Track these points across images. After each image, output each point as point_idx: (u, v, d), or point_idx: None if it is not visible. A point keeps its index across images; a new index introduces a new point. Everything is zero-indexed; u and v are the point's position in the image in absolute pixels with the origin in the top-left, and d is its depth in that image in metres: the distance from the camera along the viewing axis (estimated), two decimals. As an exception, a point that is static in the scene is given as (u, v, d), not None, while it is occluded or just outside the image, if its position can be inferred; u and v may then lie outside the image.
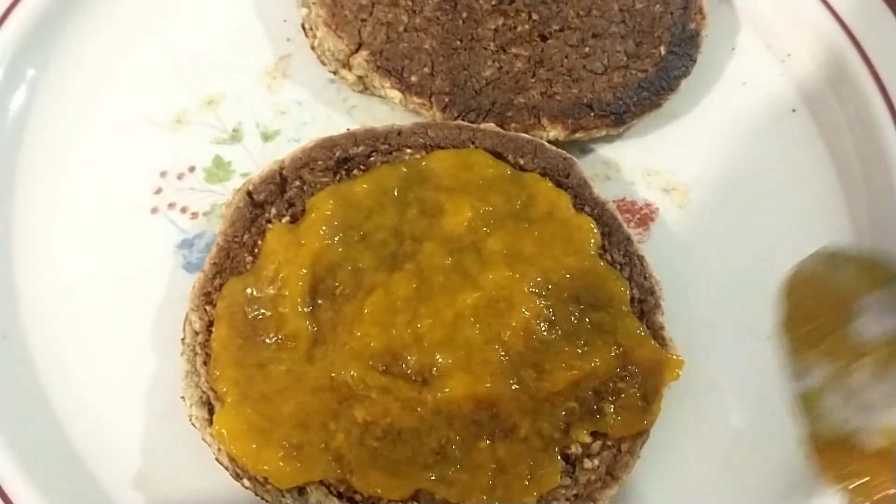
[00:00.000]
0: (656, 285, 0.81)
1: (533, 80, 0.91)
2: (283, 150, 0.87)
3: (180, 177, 0.92)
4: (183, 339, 0.78)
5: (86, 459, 0.79)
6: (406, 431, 0.72)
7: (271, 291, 0.77)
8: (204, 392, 0.75)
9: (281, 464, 0.70)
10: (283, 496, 0.72)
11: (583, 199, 0.83)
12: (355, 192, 0.80)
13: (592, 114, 0.90)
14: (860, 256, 0.80)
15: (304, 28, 0.96)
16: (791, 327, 0.74)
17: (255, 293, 0.77)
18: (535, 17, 0.93)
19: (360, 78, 0.93)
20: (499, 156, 0.84)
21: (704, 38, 0.96)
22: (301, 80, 0.97)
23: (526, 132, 0.88)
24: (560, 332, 0.75)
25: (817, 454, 0.71)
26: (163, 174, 0.92)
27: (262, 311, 0.76)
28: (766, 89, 0.99)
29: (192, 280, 0.80)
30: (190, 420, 0.75)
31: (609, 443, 0.74)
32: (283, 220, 0.81)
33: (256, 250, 0.80)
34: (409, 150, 0.85)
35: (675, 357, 0.76)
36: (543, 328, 0.75)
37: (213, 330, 0.76)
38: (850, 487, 0.68)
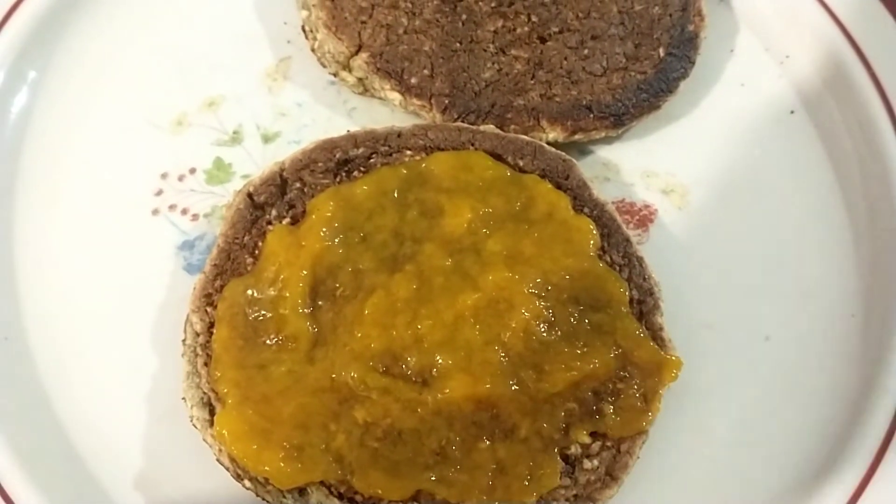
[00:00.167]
0: (655, 286, 0.81)
1: (532, 82, 0.91)
2: (284, 152, 0.87)
3: (181, 178, 0.92)
4: (184, 341, 0.78)
5: (87, 460, 0.80)
6: (406, 432, 0.72)
7: (272, 293, 0.77)
8: (205, 393, 0.75)
9: (282, 464, 0.70)
10: (284, 497, 0.72)
11: (582, 200, 0.83)
12: (356, 193, 0.81)
13: (592, 115, 0.90)
14: None
15: (304, 30, 0.96)
16: None
17: (255, 294, 0.77)
18: (534, 19, 0.94)
19: (360, 80, 0.93)
20: (498, 157, 0.84)
21: (703, 40, 0.97)
22: (301, 82, 0.97)
23: (525, 134, 0.88)
24: (559, 333, 0.75)
25: None
26: (163, 176, 0.92)
27: (263, 312, 0.76)
28: (764, 91, 1.00)
29: (192, 281, 0.81)
30: (191, 421, 0.75)
31: (608, 443, 0.75)
32: (284, 222, 0.81)
33: (257, 252, 0.80)
34: (409, 152, 0.85)
35: (673, 358, 0.76)
36: (543, 329, 0.75)
37: (214, 331, 0.77)
38: None
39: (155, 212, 0.90)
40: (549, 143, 0.88)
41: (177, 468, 0.79)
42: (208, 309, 0.78)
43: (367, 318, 0.74)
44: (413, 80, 0.90)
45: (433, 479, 0.71)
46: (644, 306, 0.80)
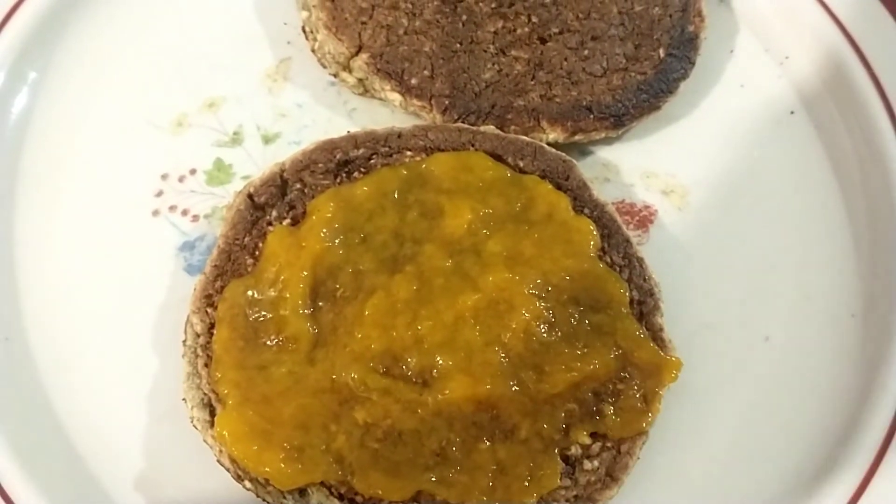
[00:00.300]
0: (655, 287, 0.81)
1: (532, 83, 0.91)
2: (284, 153, 0.87)
3: (181, 179, 0.92)
4: (184, 342, 0.78)
5: (87, 461, 0.80)
6: (407, 433, 0.72)
7: (272, 294, 0.77)
8: (205, 394, 0.75)
9: (282, 465, 0.70)
10: (285, 497, 0.72)
11: (582, 201, 0.84)
12: (356, 194, 0.81)
13: (592, 116, 0.90)
14: None
15: (304, 31, 0.96)
16: None
17: (256, 295, 0.77)
18: (534, 19, 0.94)
19: (360, 80, 0.93)
20: (499, 158, 0.84)
21: (703, 41, 0.97)
22: (301, 82, 0.97)
23: (525, 134, 0.88)
24: (560, 333, 0.75)
25: None
26: (164, 177, 0.92)
27: (264, 313, 0.76)
28: (764, 92, 1.00)
29: (193, 282, 0.81)
30: (191, 422, 0.75)
31: (609, 444, 0.75)
32: (284, 223, 0.81)
33: (257, 253, 0.80)
34: (409, 153, 0.85)
35: (673, 358, 0.77)
36: (543, 330, 0.75)
37: (215, 332, 0.77)
38: None
39: (155, 213, 0.90)
40: (549, 144, 0.88)
41: (177, 469, 0.79)
42: (209, 310, 0.78)
43: (367, 319, 0.74)
44: (413, 81, 0.90)
45: (433, 479, 0.71)
46: (644, 307, 0.80)
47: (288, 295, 0.76)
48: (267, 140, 0.94)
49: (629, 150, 0.95)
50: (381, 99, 0.94)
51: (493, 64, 0.92)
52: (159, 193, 0.91)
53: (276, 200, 0.83)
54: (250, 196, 0.83)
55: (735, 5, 1.04)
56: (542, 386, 0.73)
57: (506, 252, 0.78)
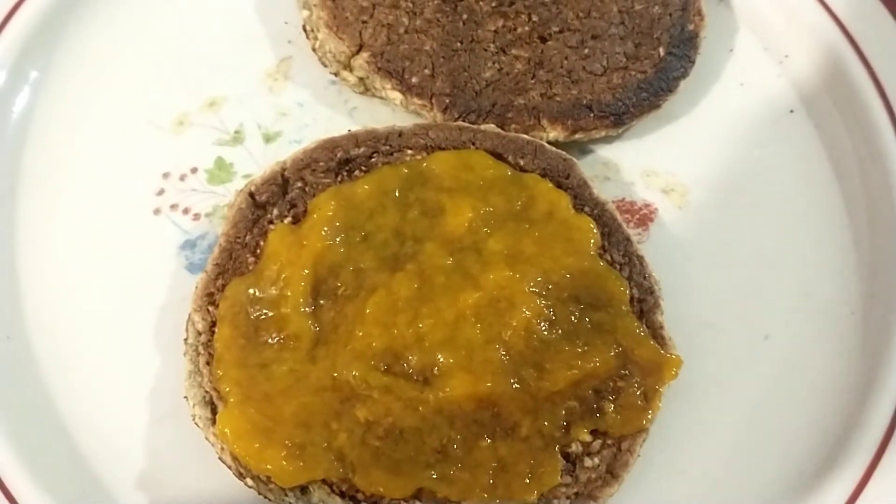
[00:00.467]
0: (656, 285, 0.82)
1: (533, 82, 0.91)
2: (285, 152, 0.87)
3: (182, 178, 0.92)
4: (186, 340, 0.79)
5: (89, 459, 0.80)
6: (408, 430, 0.72)
7: (273, 292, 0.77)
8: (207, 392, 0.76)
9: (284, 463, 0.71)
10: (286, 495, 0.72)
11: (583, 199, 0.84)
12: (357, 192, 0.81)
13: (592, 115, 0.90)
14: None
15: (305, 30, 0.96)
16: None
17: (257, 294, 0.77)
18: (534, 18, 0.94)
19: (361, 79, 0.93)
20: (499, 157, 0.84)
21: (703, 40, 0.97)
22: (302, 81, 0.98)
23: (526, 133, 0.88)
24: (560, 331, 0.75)
25: None
26: (165, 175, 0.92)
27: (265, 311, 0.76)
28: (764, 90, 1.00)
29: (194, 281, 0.81)
30: (193, 420, 0.76)
31: (609, 441, 0.75)
32: (285, 221, 0.81)
33: (259, 251, 0.80)
34: (410, 151, 0.85)
35: (673, 356, 0.77)
36: (544, 328, 0.75)
37: (216, 330, 0.77)
38: None
39: (156, 211, 0.90)
40: (549, 143, 0.88)
41: (179, 467, 0.79)
42: (210, 308, 0.78)
43: (368, 317, 0.75)
44: (414, 80, 0.90)
45: (434, 477, 0.71)
46: (644, 305, 0.80)
47: (289, 293, 0.76)
48: (268, 139, 0.95)
49: (629, 149, 0.95)
50: (381, 98, 0.94)
51: (494, 63, 0.92)
52: (160, 192, 0.91)
53: (277, 199, 0.83)
54: (251, 194, 0.83)
55: (735, 4, 1.04)
56: (542, 383, 0.74)
57: (506, 250, 0.78)
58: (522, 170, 0.84)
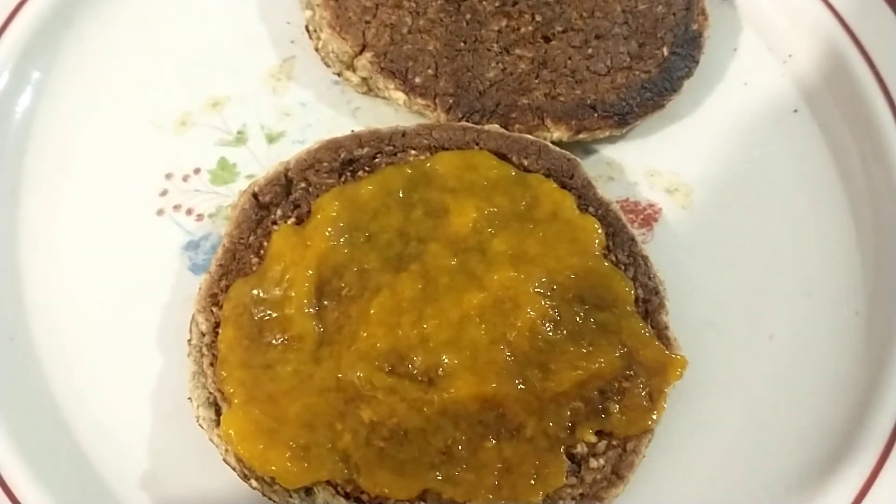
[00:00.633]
0: (660, 285, 0.82)
1: (536, 82, 0.91)
2: (288, 152, 0.87)
3: (185, 179, 0.92)
4: (189, 341, 0.79)
5: (93, 460, 0.80)
6: (412, 431, 0.72)
7: (277, 293, 0.77)
8: (211, 393, 0.75)
9: (288, 464, 0.71)
10: (291, 496, 0.72)
11: (587, 199, 0.84)
12: (360, 193, 0.81)
13: (596, 115, 0.90)
14: None
15: (308, 30, 0.96)
16: None
17: (261, 294, 0.77)
18: (538, 18, 0.94)
19: (364, 79, 0.93)
20: (503, 157, 0.84)
21: (707, 39, 0.97)
22: (305, 81, 0.97)
23: (530, 133, 0.88)
24: (565, 332, 0.75)
25: None
26: (168, 176, 0.92)
27: (269, 312, 0.76)
28: (767, 90, 1.00)
29: (198, 281, 0.81)
30: (197, 421, 0.75)
31: (614, 442, 0.75)
32: (289, 222, 0.81)
33: (262, 252, 0.80)
34: (413, 152, 0.85)
35: (678, 357, 0.77)
36: (549, 328, 0.75)
37: (220, 331, 0.77)
38: None
39: (160, 212, 0.90)
40: (553, 143, 0.88)
41: (183, 468, 0.79)
42: (214, 309, 0.78)
43: (372, 318, 0.74)
44: (417, 80, 0.90)
45: (439, 478, 0.71)
46: (649, 305, 0.80)
47: (293, 294, 0.76)
48: (271, 139, 0.94)
49: (633, 149, 0.95)
50: (385, 98, 0.94)
51: (497, 63, 0.92)
52: (164, 193, 0.91)
53: (280, 199, 0.83)
54: (255, 195, 0.83)
55: (738, 4, 1.04)
56: (547, 384, 0.73)
57: (511, 251, 0.78)
58: (526, 170, 0.84)
